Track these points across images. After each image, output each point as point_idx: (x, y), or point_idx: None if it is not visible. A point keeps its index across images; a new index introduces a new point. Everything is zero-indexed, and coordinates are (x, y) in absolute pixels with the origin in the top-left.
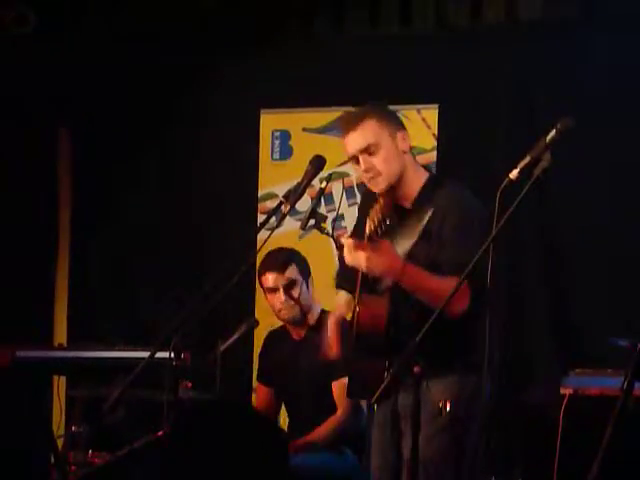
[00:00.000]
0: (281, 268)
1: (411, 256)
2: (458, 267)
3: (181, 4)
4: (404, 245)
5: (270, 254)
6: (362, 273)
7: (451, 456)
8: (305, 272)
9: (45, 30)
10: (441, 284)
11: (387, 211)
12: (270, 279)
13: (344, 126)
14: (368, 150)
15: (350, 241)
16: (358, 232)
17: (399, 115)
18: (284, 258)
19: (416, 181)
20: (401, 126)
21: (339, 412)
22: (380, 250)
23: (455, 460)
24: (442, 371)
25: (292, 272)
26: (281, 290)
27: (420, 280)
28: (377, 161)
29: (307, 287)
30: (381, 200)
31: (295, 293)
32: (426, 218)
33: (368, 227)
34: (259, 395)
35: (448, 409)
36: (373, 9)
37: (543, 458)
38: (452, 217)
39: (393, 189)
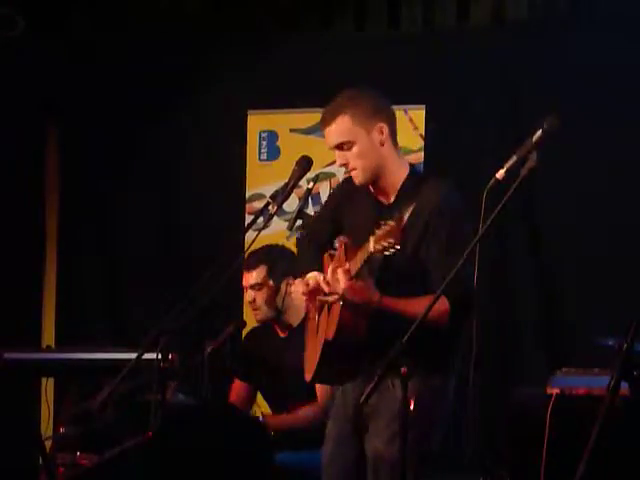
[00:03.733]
0: (250, 268)
1: (389, 257)
2: (448, 283)
3: (168, 6)
4: None
5: (250, 253)
6: None
7: (413, 456)
8: (277, 274)
9: (33, 30)
10: (419, 307)
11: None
12: (244, 278)
13: (322, 120)
14: (341, 147)
15: (334, 268)
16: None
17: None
18: (255, 258)
19: (397, 175)
20: (381, 116)
21: (319, 402)
22: (358, 288)
23: (417, 460)
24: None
25: (258, 274)
26: (248, 291)
27: (398, 309)
28: (351, 156)
29: (282, 289)
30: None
31: (259, 296)
32: (406, 216)
33: (372, 245)
34: (235, 390)
35: (412, 407)
36: (360, 10)
37: (530, 458)
38: (440, 226)
39: (374, 181)
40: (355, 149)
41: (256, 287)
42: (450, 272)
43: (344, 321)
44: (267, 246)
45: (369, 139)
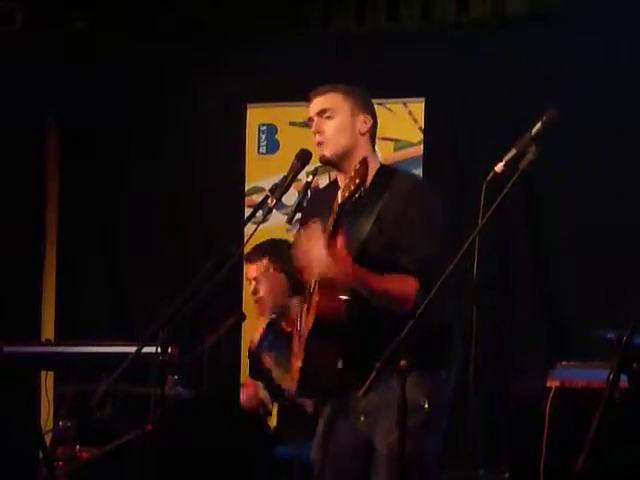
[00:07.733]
0: (253, 261)
1: (366, 244)
2: (417, 263)
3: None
4: (361, 232)
5: (254, 246)
6: None
7: (424, 452)
8: (280, 267)
9: (33, 25)
10: (388, 284)
11: (361, 180)
12: (247, 270)
13: (312, 94)
14: (323, 114)
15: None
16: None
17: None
18: (258, 251)
19: (370, 167)
20: (368, 111)
21: None
22: (335, 254)
23: (426, 457)
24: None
25: (260, 267)
26: (252, 283)
27: (368, 283)
28: (327, 126)
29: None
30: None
31: (262, 288)
32: (379, 205)
33: (340, 196)
34: (245, 387)
35: (425, 406)
36: (360, 4)
37: (530, 450)
38: (413, 210)
39: (347, 172)
40: (335, 120)
41: (258, 279)
42: (422, 255)
43: (323, 305)
44: (271, 240)
45: (352, 120)
